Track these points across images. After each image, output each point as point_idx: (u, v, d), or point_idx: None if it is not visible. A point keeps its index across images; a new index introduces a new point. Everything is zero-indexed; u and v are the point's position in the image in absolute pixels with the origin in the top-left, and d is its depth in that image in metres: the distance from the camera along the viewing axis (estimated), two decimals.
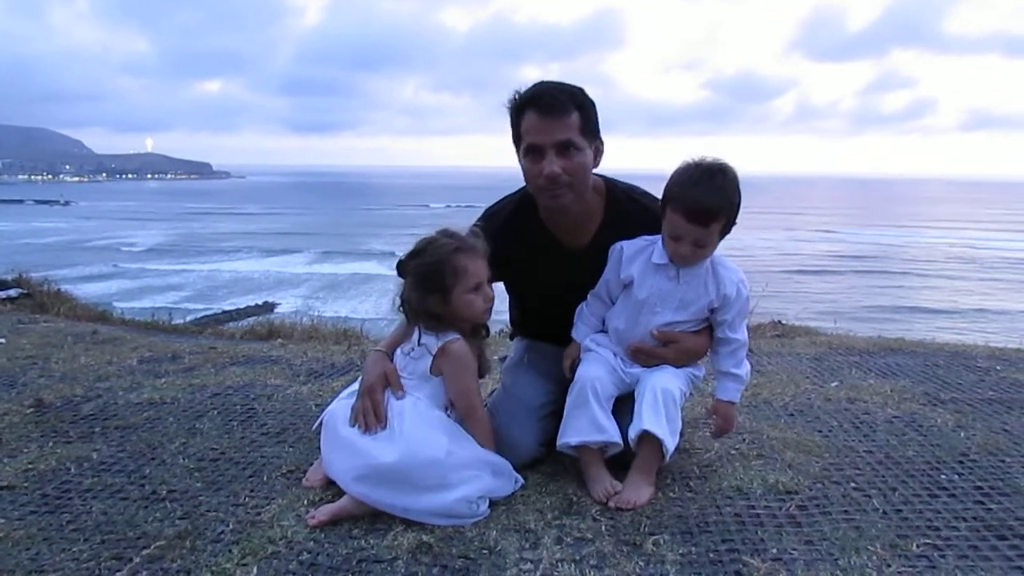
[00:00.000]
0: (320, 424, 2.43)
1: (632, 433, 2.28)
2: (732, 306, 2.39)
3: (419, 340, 2.34)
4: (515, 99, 2.39)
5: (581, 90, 2.38)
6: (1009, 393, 3.44)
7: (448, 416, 2.33)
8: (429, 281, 2.30)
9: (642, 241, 2.44)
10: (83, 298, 6.81)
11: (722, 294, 2.38)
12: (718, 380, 2.45)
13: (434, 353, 2.31)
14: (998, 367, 3.92)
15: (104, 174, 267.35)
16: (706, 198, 2.22)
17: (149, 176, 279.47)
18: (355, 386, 2.42)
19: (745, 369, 2.44)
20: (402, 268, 2.36)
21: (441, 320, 2.33)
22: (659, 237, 2.41)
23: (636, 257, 2.42)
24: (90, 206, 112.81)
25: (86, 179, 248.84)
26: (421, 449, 2.16)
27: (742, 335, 2.43)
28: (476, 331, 2.42)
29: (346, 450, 2.23)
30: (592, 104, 2.39)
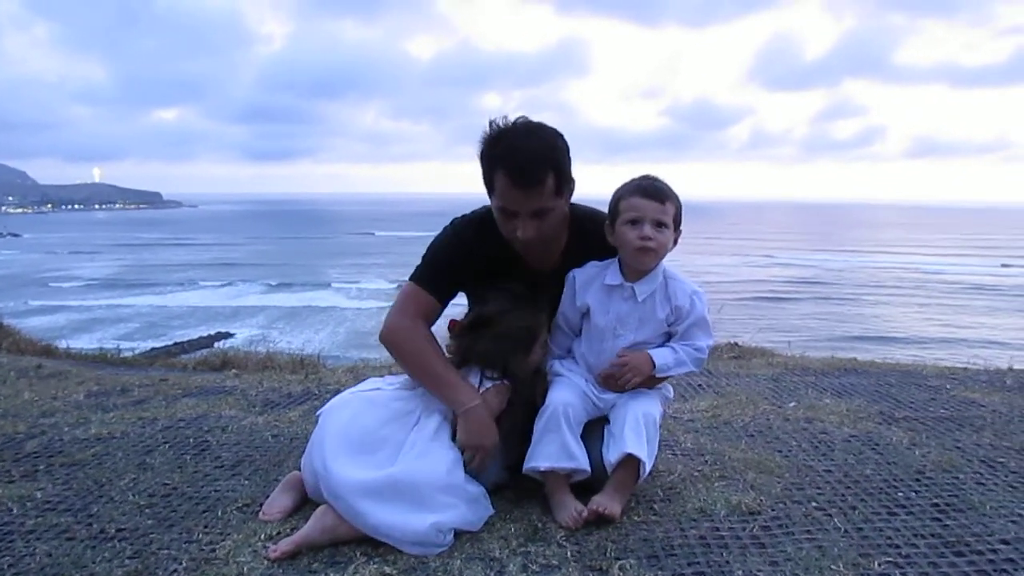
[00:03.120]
0: (323, 411, 2.42)
1: (613, 456, 2.29)
2: (685, 318, 2.41)
3: (480, 384, 2.41)
4: (489, 149, 2.29)
5: (555, 143, 2.29)
6: (960, 411, 3.51)
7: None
8: (521, 340, 2.41)
9: (593, 268, 2.47)
10: (27, 332, 6.59)
11: (674, 305, 2.41)
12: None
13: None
14: (948, 385, 4.01)
15: (49, 205, 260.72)
16: (654, 182, 2.39)
17: (97, 206, 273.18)
18: (369, 383, 2.51)
19: (689, 357, 2.42)
20: (484, 322, 2.42)
21: (507, 370, 2.41)
22: (610, 262, 2.46)
23: (590, 284, 2.45)
24: (36, 238, 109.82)
25: (30, 210, 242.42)
26: (429, 464, 2.20)
27: (696, 342, 2.43)
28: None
29: (359, 449, 2.22)
30: (566, 151, 2.32)
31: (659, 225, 2.33)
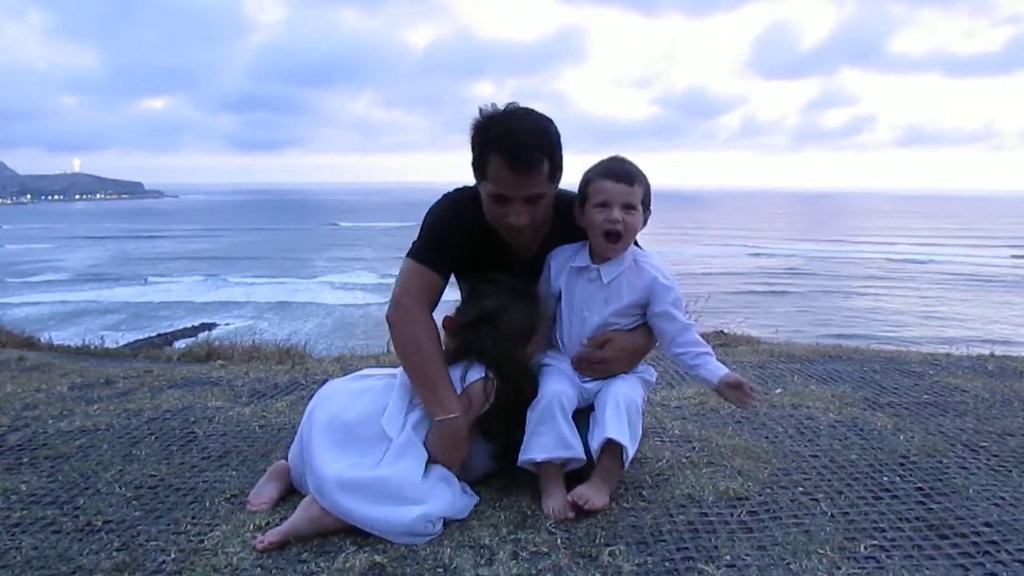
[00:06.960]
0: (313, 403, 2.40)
1: (595, 443, 2.28)
2: (659, 299, 2.40)
3: (464, 375, 2.35)
4: (483, 133, 2.27)
5: (549, 129, 2.29)
6: (943, 396, 3.55)
7: None
8: (525, 333, 2.40)
9: (566, 251, 2.48)
10: (9, 324, 6.53)
11: (646, 283, 2.39)
12: (698, 368, 2.37)
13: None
14: (931, 371, 4.06)
15: (29, 195, 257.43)
16: (623, 164, 2.40)
17: (77, 197, 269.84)
18: (362, 373, 2.48)
19: (707, 346, 2.42)
20: (486, 319, 2.37)
21: (501, 366, 2.38)
22: (581, 244, 2.46)
23: (562, 268, 2.47)
24: (16, 229, 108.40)
25: (9, 201, 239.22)
26: (408, 464, 2.18)
27: (682, 319, 2.42)
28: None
29: (344, 443, 2.21)
30: (558, 138, 2.31)
31: (628, 207, 2.33)
